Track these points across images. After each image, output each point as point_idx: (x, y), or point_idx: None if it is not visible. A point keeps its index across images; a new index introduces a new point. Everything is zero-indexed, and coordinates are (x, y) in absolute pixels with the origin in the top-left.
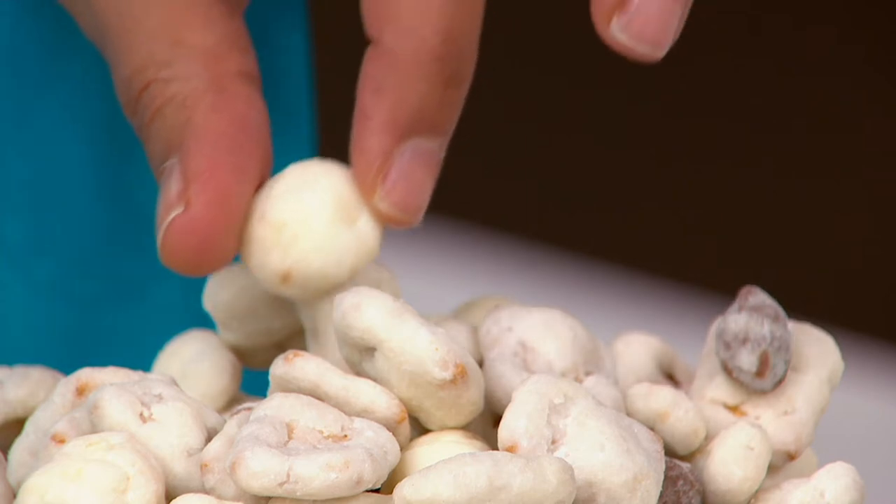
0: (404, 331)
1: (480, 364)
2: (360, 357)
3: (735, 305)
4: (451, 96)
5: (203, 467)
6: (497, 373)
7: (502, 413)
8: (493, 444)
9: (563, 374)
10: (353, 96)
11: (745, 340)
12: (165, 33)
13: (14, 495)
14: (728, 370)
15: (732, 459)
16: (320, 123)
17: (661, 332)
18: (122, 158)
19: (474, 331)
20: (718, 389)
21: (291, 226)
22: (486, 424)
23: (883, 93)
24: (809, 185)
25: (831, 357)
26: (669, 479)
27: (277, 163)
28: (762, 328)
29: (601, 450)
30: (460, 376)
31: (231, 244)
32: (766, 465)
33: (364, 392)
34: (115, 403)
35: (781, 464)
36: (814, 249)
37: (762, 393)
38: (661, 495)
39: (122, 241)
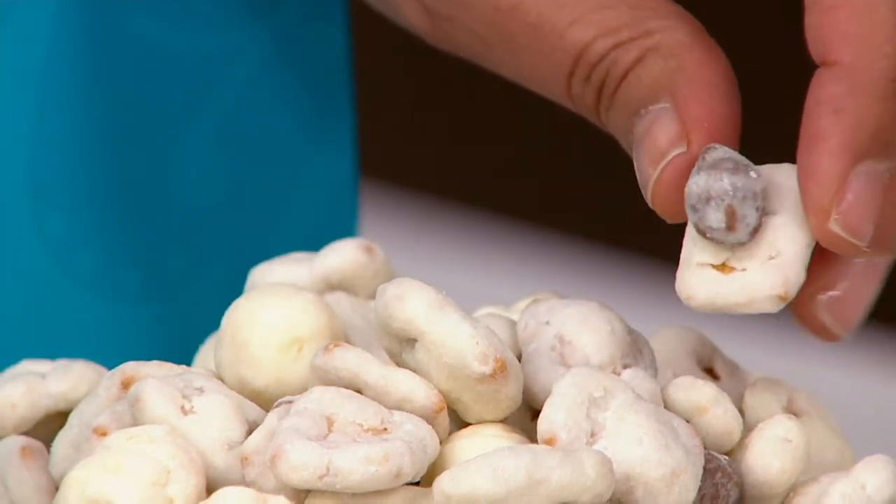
0: (446, 324)
1: (520, 358)
2: (401, 348)
3: (696, 167)
4: None
5: (243, 460)
6: (534, 367)
7: (539, 407)
8: (531, 437)
9: (601, 368)
10: (394, 95)
11: (708, 199)
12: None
13: (56, 488)
14: (702, 232)
15: (770, 451)
16: (360, 122)
17: (701, 325)
18: (165, 152)
19: (514, 325)
20: (703, 253)
21: None
22: (523, 418)
23: None
24: None
25: None
26: (708, 472)
27: (318, 161)
28: (722, 182)
29: (639, 444)
30: (500, 371)
31: None
32: (805, 458)
33: (403, 382)
34: (156, 396)
35: (775, 309)
36: None
37: (742, 245)
38: (700, 488)
39: (165, 233)
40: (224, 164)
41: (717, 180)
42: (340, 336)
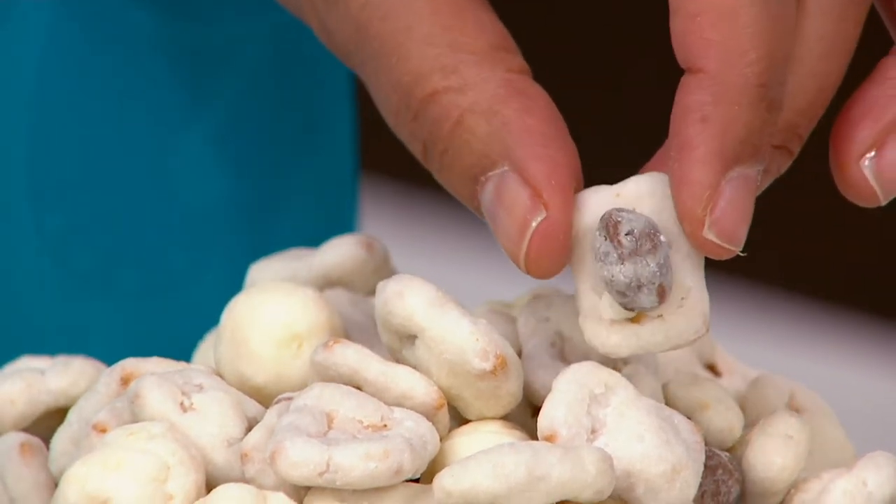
0: (446, 320)
1: (520, 354)
2: (401, 344)
3: (612, 250)
4: (771, 121)
5: (243, 457)
6: (534, 363)
7: (539, 403)
8: (532, 434)
9: (601, 364)
10: None
11: (639, 286)
12: (442, 39)
13: (56, 484)
14: (629, 308)
15: (772, 448)
16: (360, 117)
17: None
18: (164, 149)
19: (514, 321)
20: (615, 309)
21: None
22: (524, 415)
23: None
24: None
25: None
26: (709, 469)
27: (318, 157)
28: (649, 267)
29: (640, 441)
30: (500, 367)
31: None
32: (806, 454)
33: (403, 378)
34: (155, 393)
35: (695, 341)
36: (836, 231)
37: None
38: (701, 485)
39: (164, 230)
40: (223, 160)
41: (644, 267)
42: (340, 332)
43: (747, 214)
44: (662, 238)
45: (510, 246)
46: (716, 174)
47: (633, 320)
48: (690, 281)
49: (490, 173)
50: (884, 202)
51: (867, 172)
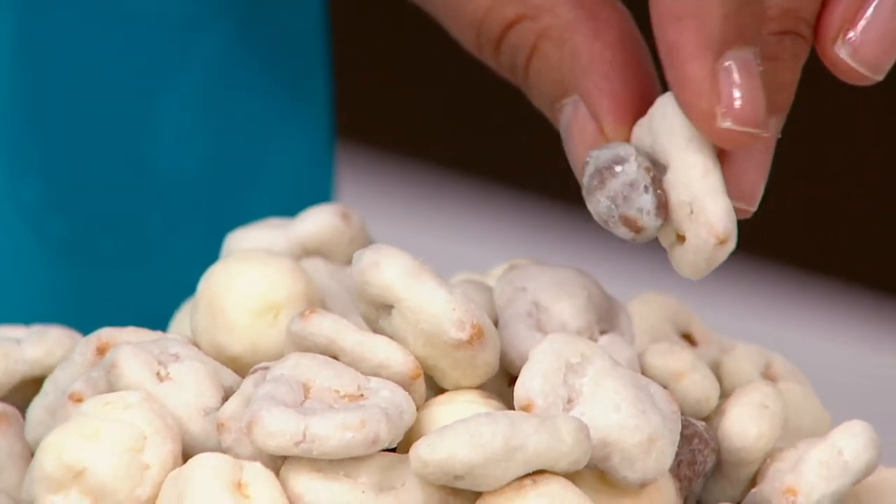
0: (422, 290)
1: (496, 324)
2: (378, 314)
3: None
4: (750, 2)
5: (219, 427)
6: (510, 333)
7: (516, 373)
8: (508, 404)
9: (578, 334)
10: (370, 59)
11: (605, 221)
12: None
13: (32, 454)
14: (633, 238)
15: (747, 417)
16: (336, 86)
17: (678, 291)
18: (141, 118)
19: (490, 291)
20: (663, 236)
21: None
22: (500, 384)
23: None
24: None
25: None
26: (685, 438)
27: (294, 126)
28: (600, 204)
29: (616, 410)
30: (476, 337)
31: None
32: (782, 424)
33: (379, 348)
34: (131, 363)
35: (729, 248)
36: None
37: (666, 223)
38: (677, 454)
39: (141, 199)
40: (200, 129)
41: (597, 204)
42: (317, 302)
43: (757, 95)
44: (618, 168)
45: (576, 169)
46: (708, 64)
47: (680, 241)
48: (693, 191)
49: (564, 101)
50: (877, 78)
51: (844, 56)
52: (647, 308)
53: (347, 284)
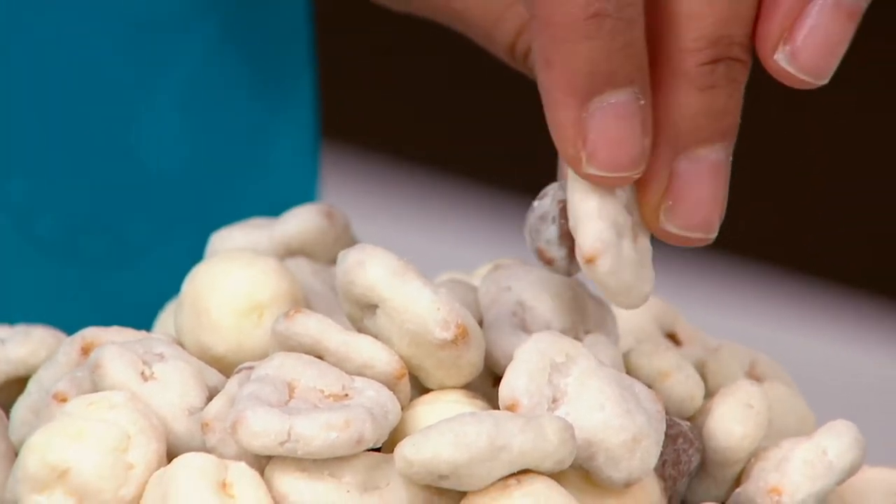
0: (407, 290)
1: (481, 324)
2: (363, 314)
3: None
4: (623, 45)
5: (204, 426)
6: (495, 333)
7: (500, 373)
8: (493, 403)
9: (562, 334)
10: (355, 59)
11: (541, 224)
12: None
13: (16, 454)
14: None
15: (732, 417)
16: (321, 86)
17: (663, 291)
18: (127, 118)
19: (475, 291)
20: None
21: None
22: (485, 384)
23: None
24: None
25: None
26: (669, 438)
27: (279, 126)
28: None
29: (601, 410)
30: (461, 337)
31: None
32: (767, 423)
33: (364, 348)
34: (116, 363)
35: (604, 268)
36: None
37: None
38: (662, 454)
39: (126, 199)
40: (185, 129)
41: (527, 242)
42: (301, 302)
43: (623, 138)
44: (536, 203)
45: None
46: (573, 111)
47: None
48: (575, 215)
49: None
50: (821, 83)
51: (785, 65)
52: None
53: (332, 284)
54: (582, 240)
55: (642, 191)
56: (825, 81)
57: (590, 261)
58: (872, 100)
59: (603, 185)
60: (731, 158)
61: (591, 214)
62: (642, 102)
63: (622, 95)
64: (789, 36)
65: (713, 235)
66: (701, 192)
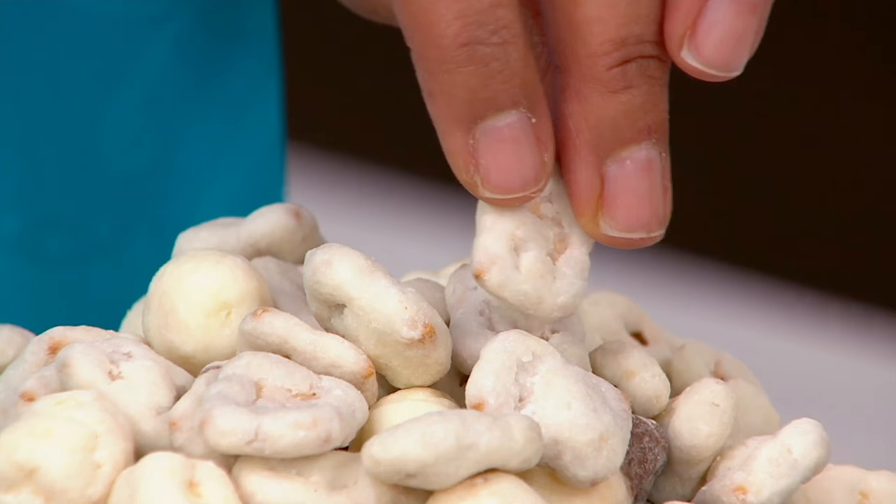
0: (374, 289)
1: (448, 323)
2: (330, 313)
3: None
4: (494, 68)
5: (171, 426)
6: (462, 332)
7: (467, 372)
8: (460, 402)
9: (529, 333)
10: (322, 59)
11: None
12: None
13: None
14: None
15: (698, 415)
16: (288, 86)
17: (630, 290)
18: (92, 116)
19: (442, 290)
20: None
21: None
22: (452, 383)
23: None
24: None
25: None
26: (635, 436)
27: (246, 126)
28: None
29: (568, 408)
30: (428, 336)
31: None
32: (732, 422)
33: (331, 347)
34: (83, 362)
35: (492, 280)
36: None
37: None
38: (628, 452)
39: (92, 198)
40: (151, 128)
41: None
42: (269, 301)
43: (512, 161)
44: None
45: None
46: (459, 139)
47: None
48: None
49: None
50: (732, 76)
51: (691, 61)
52: (598, 307)
53: (300, 283)
54: (472, 256)
55: (576, 200)
56: (736, 74)
57: (476, 276)
58: (835, 97)
59: (504, 206)
60: (665, 154)
61: (482, 229)
62: (534, 121)
63: (508, 118)
64: (692, 33)
65: (657, 233)
66: (633, 192)
